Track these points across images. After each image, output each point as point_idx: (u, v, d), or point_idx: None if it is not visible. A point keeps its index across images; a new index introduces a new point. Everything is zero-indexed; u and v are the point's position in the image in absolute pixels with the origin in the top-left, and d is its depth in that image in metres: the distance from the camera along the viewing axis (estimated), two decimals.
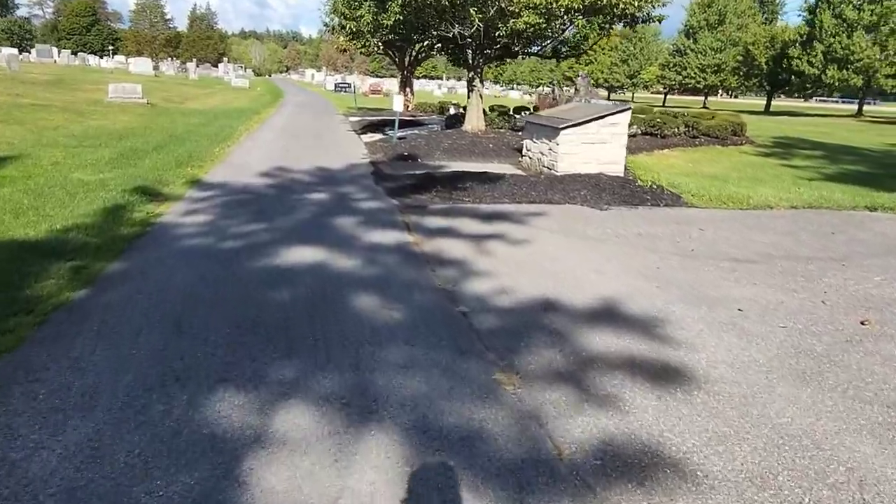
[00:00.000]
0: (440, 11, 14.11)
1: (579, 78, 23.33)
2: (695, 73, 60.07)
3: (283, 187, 8.98)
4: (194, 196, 7.99)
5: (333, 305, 4.38)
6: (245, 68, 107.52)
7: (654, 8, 14.65)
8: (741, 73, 52.26)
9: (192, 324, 3.90)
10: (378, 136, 16.76)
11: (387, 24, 16.70)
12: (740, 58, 51.39)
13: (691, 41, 61.01)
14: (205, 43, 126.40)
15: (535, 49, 16.22)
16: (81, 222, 6.15)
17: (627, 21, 15.01)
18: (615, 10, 14.11)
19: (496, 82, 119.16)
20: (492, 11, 13.47)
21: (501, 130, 16.84)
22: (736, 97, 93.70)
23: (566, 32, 15.31)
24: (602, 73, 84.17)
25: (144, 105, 21.21)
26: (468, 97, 16.31)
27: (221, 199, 7.93)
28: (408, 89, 25.31)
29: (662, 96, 79.72)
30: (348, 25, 19.39)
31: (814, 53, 39.20)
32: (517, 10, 12.93)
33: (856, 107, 43.99)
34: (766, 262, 5.94)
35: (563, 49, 16.43)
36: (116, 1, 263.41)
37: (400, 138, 15.19)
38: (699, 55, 59.77)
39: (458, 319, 4.29)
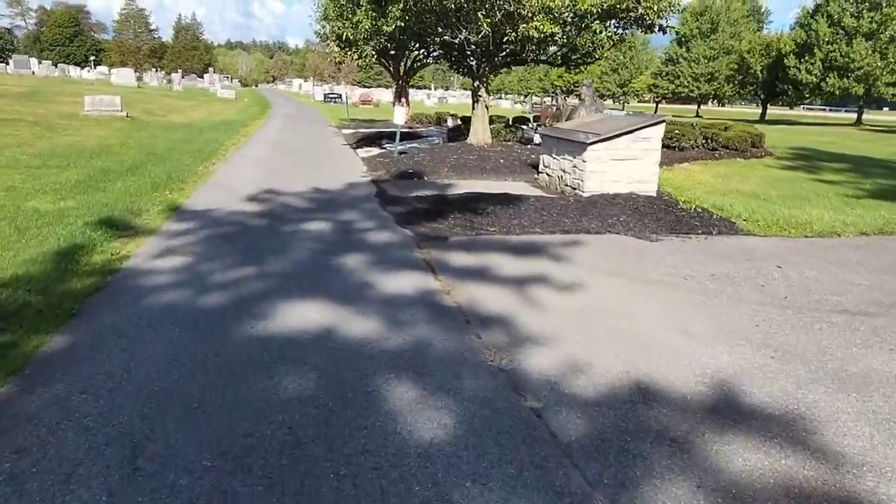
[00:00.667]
0: (444, 16, 12.99)
1: (584, 87, 22.30)
2: (688, 82, 59.61)
3: (276, 215, 7.73)
4: (171, 229, 6.72)
5: (357, 409, 3.14)
6: (231, 79, 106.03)
7: (671, 15, 13.64)
8: (736, 82, 51.69)
9: (154, 454, 2.64)
10: (376, 151, 15.55)
11: (386, 31, 15.59)
12: (735, 66, 50.85)
13: (684, 49, 60.59)
14: (190, 54, 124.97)
15: (544, 56, 15.14)
16: (25, 272, 4.86)
17: (644, 28, 13.95)
18: (631, 14, 13.06)
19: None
20: (499, 16, 12.35)
21: (508, 143, 15.71)
22: (723, 105, 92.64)
23: (578, 38, 14.17)
24: (593, 82, 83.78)
25: (124, 118, 19.86)
26: (473, 108, 15.16)
27: (203, 232, 6.66)
28: (403, 100, 24.15)
29: (654, 105, 79.29)
30: (345, 33, 18.27)
31: (812, 61, 38.60)
32: (529, 15, 11.81)
33: (844, 115, 43.57)
34: (886, 314, 4.78)
35: (574, 56, 15.33)
36: (100, 11, 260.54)
37: (401, 153, 14.01)
38: (692, 64, 59.34)
39: (533, 425, 3.06)
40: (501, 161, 13.10)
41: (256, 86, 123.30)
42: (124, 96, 22.75)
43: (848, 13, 36.14)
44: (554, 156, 10.84)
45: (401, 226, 7.39)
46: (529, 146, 15.53)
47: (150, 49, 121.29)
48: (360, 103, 49.49)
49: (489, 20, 12.32)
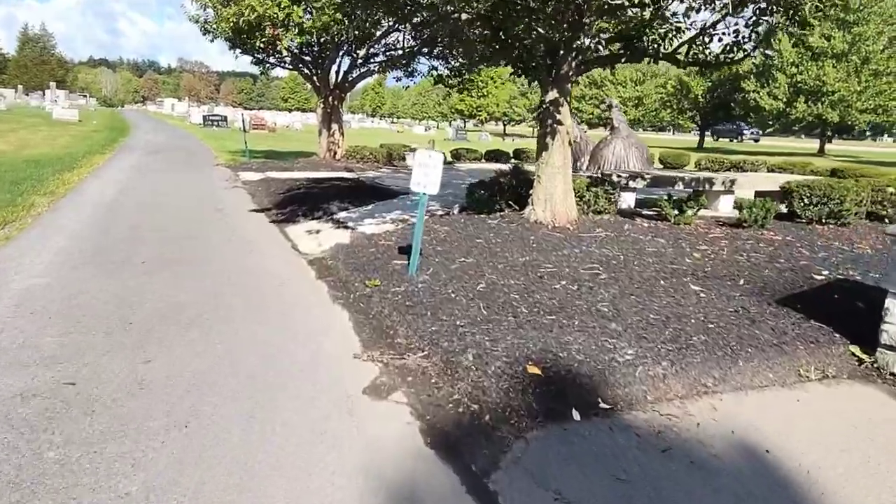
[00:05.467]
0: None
1: (614, 109, 15.25)
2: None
3: None
4: None
5: None
6: (88, 97, 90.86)
7: None
8: (673, 107, 47.80)
9: None
10: (329, 236, 7.34)
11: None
12: (671, 90, 46.92)
13: (608, 72, 56.65)
14: (39, 69, 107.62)
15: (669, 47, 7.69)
16: None
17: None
18: None
19: (355, 112, 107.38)
20: None
21: (604, 217, 7.97)
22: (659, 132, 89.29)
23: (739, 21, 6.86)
24: (498, 106, 79.11)
25: None
26: (543, 138, 7.30)
27: None
28: (334, 126, 15.87)
29: None
30: (246, 12, 10.02)
31: (776, 85, 34.65)
32: None
33: (794, 143, 40.66)
34: None
35: (707, 51, 7.91)
36: None
37: (419, 275, 5.82)
38: (619, 87, 55.46)
39: None
40: (673, 297, 5.37)
41: (122, 106, 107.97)
42: None
43: (816, 33, 32.32)
44: None
45: None
46: (647, 222, 8.01)
47: None
48: (251, 128, 39.92)
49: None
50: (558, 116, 7.11)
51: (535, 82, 7.73)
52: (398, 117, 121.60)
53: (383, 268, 5.81)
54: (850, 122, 34.23)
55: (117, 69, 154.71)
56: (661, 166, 18.31)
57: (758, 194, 10.17)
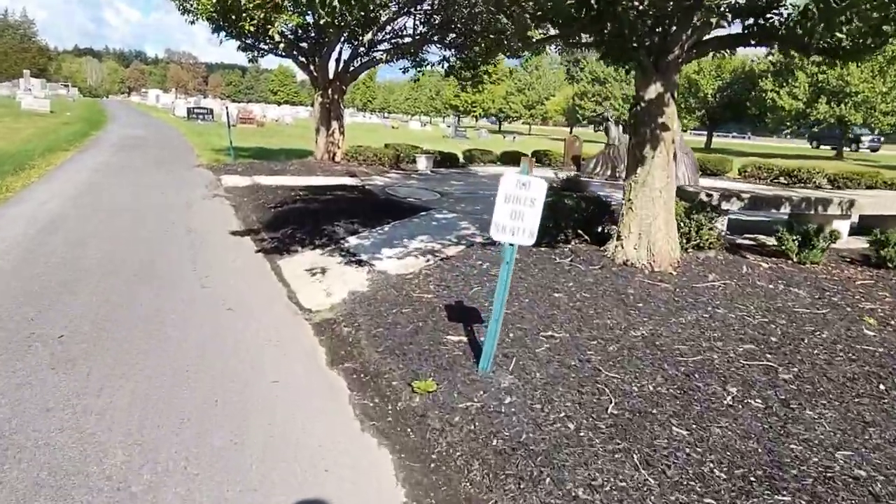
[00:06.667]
0: None
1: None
2: (619, 105, 53.68)
3: None
4: None
5: None
6: (70, 87, 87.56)
7: None
8: (683, 106, 45.95)
9: None
10: (342, 271, 5.35)
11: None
12: (682, 87, 45.04)
13: (612, 68, 54.77)
14: (19, 56, 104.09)
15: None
16: None
17: None
18: None
19: (346, 107, 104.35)
20: None
21: (708, 254, 5.93)
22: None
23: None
24: (494, 102, 77.07)
25: None
26: (639, 148, 5.26)
27: None
28: (334, 123, 13.75)
29: (568, 129, 73.41)
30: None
31: (796, 84, 32.84)
32: None
33: (798, 145, 39.09)
34: None
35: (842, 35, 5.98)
36: None
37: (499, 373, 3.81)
38: (623, 84, 53.64)
39: None
40: None
41: (107, 97, 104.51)
42: None
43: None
44: None
45: None
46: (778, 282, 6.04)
47: None
48: (238, 122, 37.57)
49: None
50: (661, 119, 5.10)
51: (623, 70, 5.74)
52: (390, 112, 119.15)
53: (433, 350, 3.79)
54: (872, 125, 32.52)
55: (103, 59, 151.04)
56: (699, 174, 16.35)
57: (864, 218, 8.25)
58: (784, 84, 33.57)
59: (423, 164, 13.48)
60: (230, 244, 6.83)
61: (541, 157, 16.65)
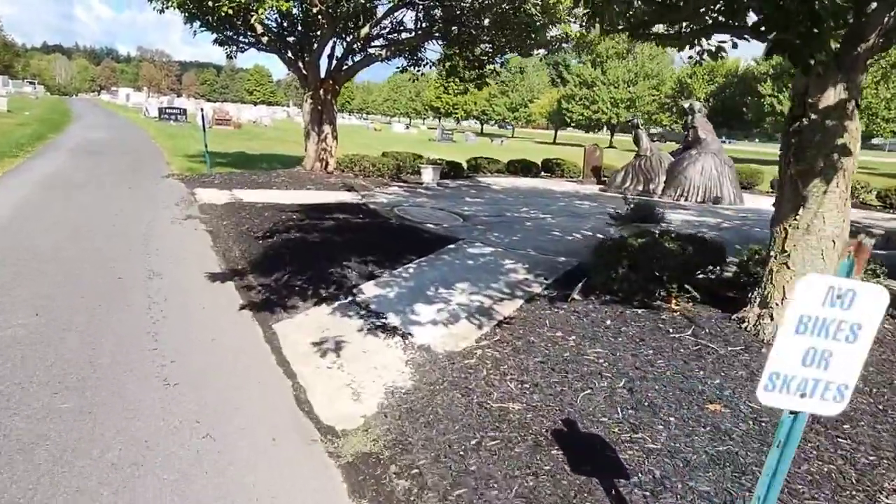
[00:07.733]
0: None
1: (697, 114, 11.95)
2: (607, 108, 52.64)
3: None
4: None
5: None
6: (37, 85, 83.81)
7: None
8: (672, 111, 45.02)
9: None
10: (367, 347, 3.64)
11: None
12: (670, 91, 44.14)
13: (599, 71, 53.67)
14: None
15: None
16: None
17: None
18: None
19: (350, 111, 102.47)
20: None
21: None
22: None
23: None
24: (476, 104, 75.60)
25: None
26: (803, 179, 3.65)
27: None
28: (326, 128, 11.96)
29: (553, 132, 72.03)
30: None
31: None
32: None
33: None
34: None
35: None
36: None
37: None
38: (611, 87, 52.57)
39: None
40: None
41: (76, 95, 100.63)
42: None
43: None
44: None
45: None
46: None
47: None
48: (214, 123, 35.32)
49: None
50: (841, 140, 3.51)
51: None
52: (368, 113, 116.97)
53: None
54: (874, 132, 31.71)
55: (73, 56, 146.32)
56: None
57: None
58: (784, 88, 32.63)
59: (428, 175, 11.78)
60: (205, 298, 5.06)
61: (552, 168, 15.06)
